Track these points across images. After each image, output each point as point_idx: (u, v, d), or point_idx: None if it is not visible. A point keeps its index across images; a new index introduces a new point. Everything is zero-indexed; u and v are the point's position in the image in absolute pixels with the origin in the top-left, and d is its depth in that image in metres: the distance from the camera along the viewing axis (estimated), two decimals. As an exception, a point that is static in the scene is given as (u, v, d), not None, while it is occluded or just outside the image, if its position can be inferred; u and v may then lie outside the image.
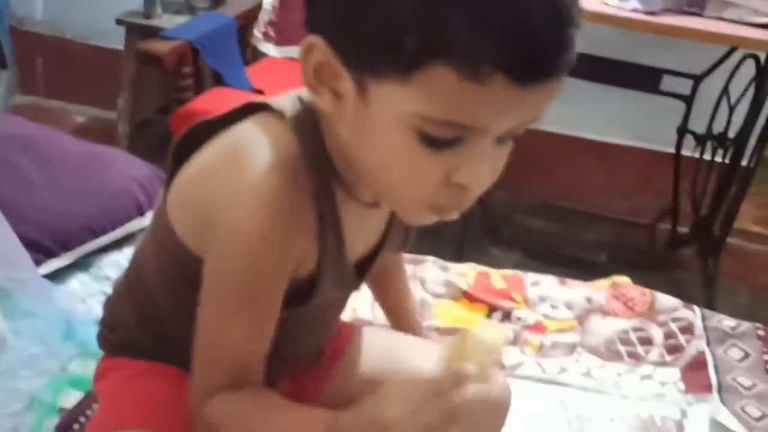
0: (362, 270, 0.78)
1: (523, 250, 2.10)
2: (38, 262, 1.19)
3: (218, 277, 0.66)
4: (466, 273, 1.32)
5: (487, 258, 2.03)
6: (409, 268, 1.33)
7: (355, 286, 0.80)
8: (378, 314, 1.25)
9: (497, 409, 0.89)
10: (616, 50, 1.99)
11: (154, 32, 2.07)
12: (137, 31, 2.10)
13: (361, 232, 0.75)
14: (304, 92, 0.66)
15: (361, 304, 1.27)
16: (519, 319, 1.24)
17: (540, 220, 2.23)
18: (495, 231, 2.16)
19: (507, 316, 1.24)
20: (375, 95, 0.58)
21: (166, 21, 2.10)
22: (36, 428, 0.99)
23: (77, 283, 1.24)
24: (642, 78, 1.99)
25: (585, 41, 1.96)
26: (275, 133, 0.66)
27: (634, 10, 1.81)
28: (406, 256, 1.38)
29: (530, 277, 1.34)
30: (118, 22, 2.11)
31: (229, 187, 0.64)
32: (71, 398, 1.03)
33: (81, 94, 2.52)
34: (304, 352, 0.86)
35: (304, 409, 0.69)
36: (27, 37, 2.48)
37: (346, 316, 1.20)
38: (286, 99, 0.68)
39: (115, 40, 2.21)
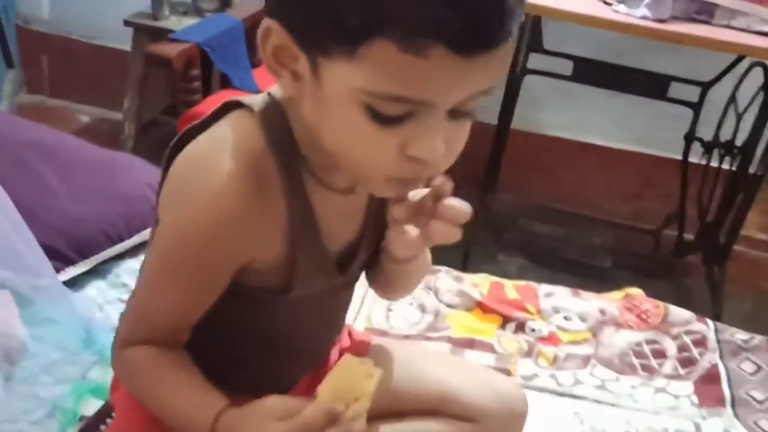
0: (349, 260, 0.78)
1: (527, 255, 2.11)
2: (57, 269, 1.19)
3: (159, 245, 0.71)
4: (479, 283, 1.33)
5: (492, 263, 2.04)
6: (423, 278, 1.34)
7: (346, 277, 0.79)
8: (393, 323, 1.26)
9: (514, 418, 0.91)
10: (623, 56, 2.00)
11: (161, 34, 2.07)
12: (145, 32, 2.10)
13: (340, 220, 0.75)
14: (275, 88, 0.69)
15: (375, 313, 1.28)
16: (533, 330, 1.25)
17: (545, 225, 2.24)
18: (499, 235, 2.17)
19: (521, 327, 1.25)
20: (326, 73, 0.59)
21: (173, 22, 2.10)
22: (59, 436, 1.00)
23: (94, 290, 1.24)
24: (650, 84, 2.00)
25: (593, 46, 1.97)
26: (241, 127, 0.68)
27: (643, 17, 1.82)
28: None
29: (543, 288, 1.34)
30: (126, 23, 2.10)
31: (190, 175, 0.67)
32: (92, 406, 1.04)
33: (86, 93, 2.52)
34: (311, 348, 0.86)
35: (204, 391, 0.71)
36: (33, 36, 2.47)
37: (360, 324, 1.22)
38: (259, 95, 0.71)
39: (121, 40, 2.20)
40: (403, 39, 0.54)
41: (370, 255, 0.82)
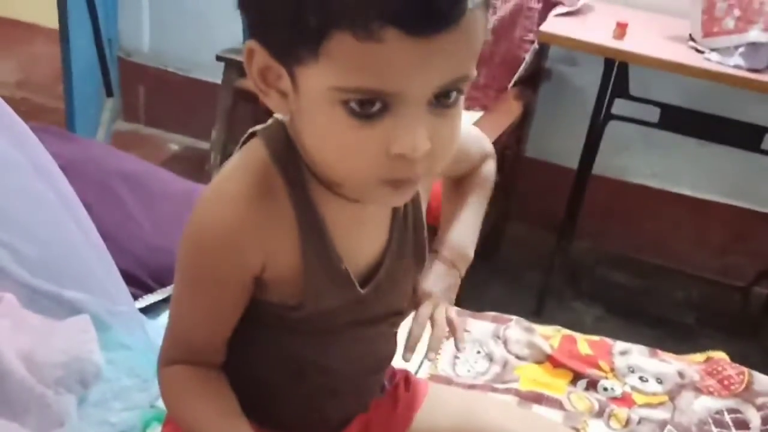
0: (373, 274, 0.77)
1: (605, 305, 2.04)
2: (135, 296, 1.23)
3: (178, 265, 0.74)
4: (551, 336, 1.29)
5: (568, 311, 1.99)
6: (491, 327, 1.31)
7: (364, 294, 0.77)
8: (459, 372, 1.24)
9: None
10: (713, 104, 1.93)
11: (251, 69, 2.14)
12: (235, 66, 2.18)
13: (357, 232, 0.75)
14: None
15: (442, 359, 1.26)
16: (605, 389, 1.20)
17: (624, 274, 2.17)
18: (576, 283, 2.11)
19: (592, 385, 1.20)
20: (301, 81, 0.61)
21: (263, 59, 2.17)
22: (126, 463, 1.02)
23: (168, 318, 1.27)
24: (743, 135, 1.92)
25: (681, 93, 1.91)
26: (250, 148, 0.71)
27: (736, 66, 1.76)
28: (490, 314, 1.37)
29: (619, 345, 1.29)
30: (218, 58, 2.19)
31: (203, 194, 0.71)
32: (157, 433, 1.06)
33: (178, 123, 2.63)
34: (351, 384, 0.85)
35: (224, 415, 0.73)
36: (132, 67, 2.60)
37: (424, 371, 1.20)
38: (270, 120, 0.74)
39: (214, 74, 2.29)
40: (356, 27, 0.55)
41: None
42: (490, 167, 0.94)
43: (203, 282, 0.72)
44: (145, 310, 1.25)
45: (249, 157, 0.71)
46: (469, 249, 0.89)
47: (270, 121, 0.73)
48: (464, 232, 0.90)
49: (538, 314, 1.89)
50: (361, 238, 0.76)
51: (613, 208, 2.24)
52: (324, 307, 0.74)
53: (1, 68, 2.66)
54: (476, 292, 1.88)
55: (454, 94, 0.61)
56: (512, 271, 2.11)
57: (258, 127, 0.73)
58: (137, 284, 1.25)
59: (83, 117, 2.29)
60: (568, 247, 2.07)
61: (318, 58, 0.58)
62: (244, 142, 0.73)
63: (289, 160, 0.70)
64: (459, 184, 0.93)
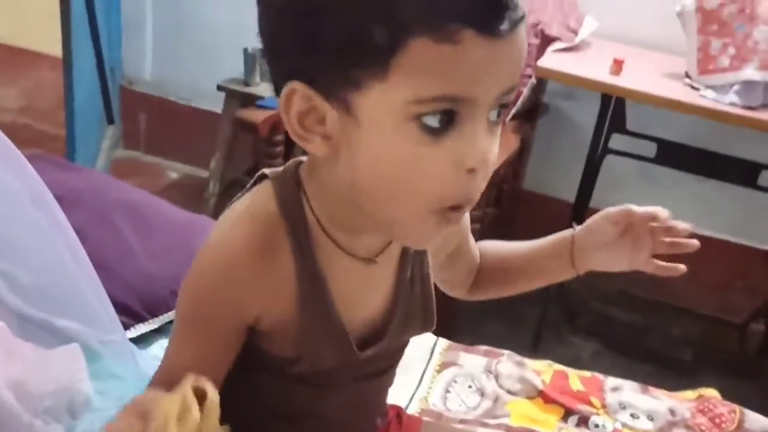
0: (374, 340, 0.76)
1: (602, 341, 2.03)
2: (126, 326, 1.23)
3: (177, 304, 0.73)
4: (542, 371, 1.29)
5: (565, 347, 1.98)
6: (483, 362, 1.31)
7: (364, 358, 0.75)
8: (450, 406, 1.23)
9: None
10: (710, 140, 1.94)
11: (251, 99, 2.17)
12: (236, 97, 2.20)
13: (360, 291, 0.74)
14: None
15: (433, 393, 1.25)
16: (596, 426, 1.19)
17: (621, 310, 2.16)
18: (573, 318, 2.11)
19: (583, 421, 1.20)
20: (363, 107, 0.59)
21: (263, 89, 2.19)
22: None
23: (159, 348, 1.27)
24: (739, 171, 1.93)
25: (678, 129, 1.92)
26: (259, 192, 0.70)
27: (732, 104, 1.77)
28: (482, 347, 1.36)
29: (611, 381, 1.28)
30: (219, 87, 2.21)
31: (207, 238, 0.70)
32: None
33: (178, 151, 2.65)
34: (349, 427, 0.83)
35: None
36: (134, 96, 2.63)
37: (415, 406, 1.19)
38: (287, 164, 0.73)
39: (214, 103, 2.32)
40: (434, 30, 0.55)
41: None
42: None
43: (194, 325, 0.72)
44: (136, 340, 1.24)
45: (257, 204, 0.70)
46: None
47: (284, 167, 0.72)
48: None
49: (534, 349, 1.88)
50: (364, 299, 0.75)
51: (610, 243, 2.24)
52: (322, 365, 0.74)
53: (5, 95, 2.68)
54: (472, 327, 1.88)
55: (502, 111, 0.63)
56: (509, 306, 2.10)
57: (269, 171, 0.72)
58: (129, 314, 1.25)
59: (84, 144, 2.30)
60: (565, 282, 2.07)
61: (387, 75, 0.57)
62: (255, 182, 0.72)
63: (297, 213, 0.69)
64: (496, 263, 0.92)
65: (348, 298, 0.73)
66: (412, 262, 0.77)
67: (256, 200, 0.70)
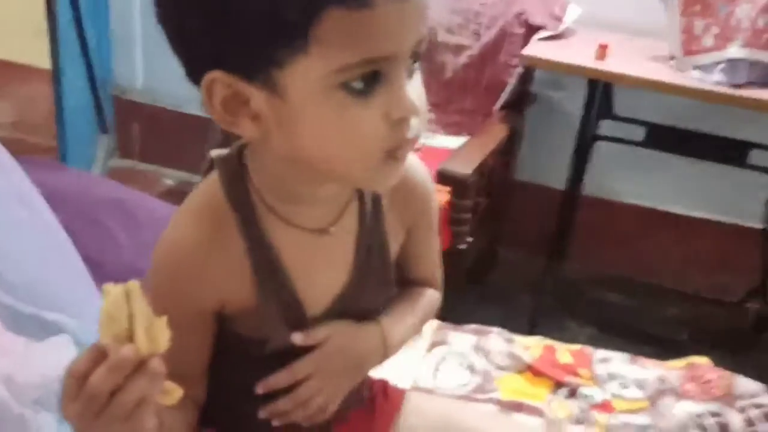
0: (339, 314, 0.77)
1: (597, 325, 2.03)
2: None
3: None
4: (531, 346, 1.29)
5: (561, 331, 1.98)
6: (473, 339, 1.31)
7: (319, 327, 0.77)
8: (440, 384, 1.23)
9: None
10: (699, 121, 1.95)
11: (241, 102, 2.18)
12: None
13: (317, 264, 0.74)
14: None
15: (424, 372, 1.25)
16: (586, 396, 1.19)
17: (616, 294, 2.16)
18: (569, 303, 2.11)
19: (573, 393, 1.20)
20: (288, 84, 0.60)
21: (252, 91, 2.21)
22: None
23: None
24: (728, 151, 1.93)
25: (666, 112, 1.92)
26: (207, 183, 0.73)
27: (718, 83, 1.78)
28: (471, 326, 1.36)
29: (599, 353, 1.29)
30: (209, 91, 2.23)
31: (161, 236, 0.73)
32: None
33: (172, 158, 2.66)
34: None
35: None
36: (126, 105, 2.65)
37: (406, 385, 1.19)
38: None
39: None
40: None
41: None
42: (435, 300, 0.91)
43: (163, 306, 0.72)
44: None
45: (204, 194, 0.72)
46: (399, 346, 0.85)
47: (230, 148, 0.73)
48: (404, 330, 0.86)
49: (530, 334, 1.87)
50: (320, 270, 0.75)
51: (604, 229, 2.24)
52: (287, 342, 0.75)
53: (-2, 109, 2.71)
54: (467, 316, 1.88)
55: (417, 56, 0.64)
56: (504, 294, 2.11)
57: (215, 155, 0.73)
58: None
59: (76, 154, 2.32)
60: (560, 268, 2.07)
61: (308, 48, 0.58)
62: (208, 169, 0.74)
63: (243, 192, 0.70)
64: (413, 287, 0.90)
65: (303, 270, 0.74)
66: (370, 233, 0.78)
67: (202, 188, 0.73)
